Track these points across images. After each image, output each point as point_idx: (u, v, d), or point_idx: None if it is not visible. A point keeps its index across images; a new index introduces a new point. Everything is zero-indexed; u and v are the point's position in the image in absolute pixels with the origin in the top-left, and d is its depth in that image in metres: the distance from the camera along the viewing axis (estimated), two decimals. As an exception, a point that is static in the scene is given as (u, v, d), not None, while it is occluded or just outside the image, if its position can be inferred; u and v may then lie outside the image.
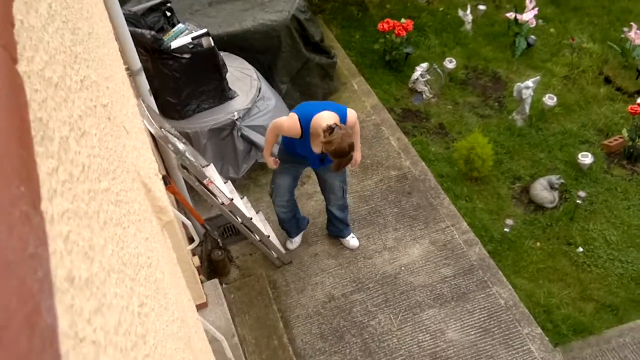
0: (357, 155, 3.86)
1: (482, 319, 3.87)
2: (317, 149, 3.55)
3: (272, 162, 3.81)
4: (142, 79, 3.44)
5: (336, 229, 4.32)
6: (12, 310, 0.44)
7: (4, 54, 0.56)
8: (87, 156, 1.07)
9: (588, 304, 3.98)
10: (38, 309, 0.48)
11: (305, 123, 3.43)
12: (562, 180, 4.59)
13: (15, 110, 0.54)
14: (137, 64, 3.34)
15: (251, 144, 4.63)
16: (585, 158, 4.75)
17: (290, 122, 3.46)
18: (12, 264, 0.46)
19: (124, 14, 3.16)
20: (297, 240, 4.39)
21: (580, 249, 4.28)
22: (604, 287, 4.06)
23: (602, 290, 4.04)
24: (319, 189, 4.72)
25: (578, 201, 4.45)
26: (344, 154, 3.30)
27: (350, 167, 4.09)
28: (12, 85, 0.55)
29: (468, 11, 6.20)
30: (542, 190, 4.58)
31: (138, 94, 3.48)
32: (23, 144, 0.54)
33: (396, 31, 5.61)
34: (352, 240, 4.35)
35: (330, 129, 3.25)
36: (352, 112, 3.57)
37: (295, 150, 3.69)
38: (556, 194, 4.60)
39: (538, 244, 4.35)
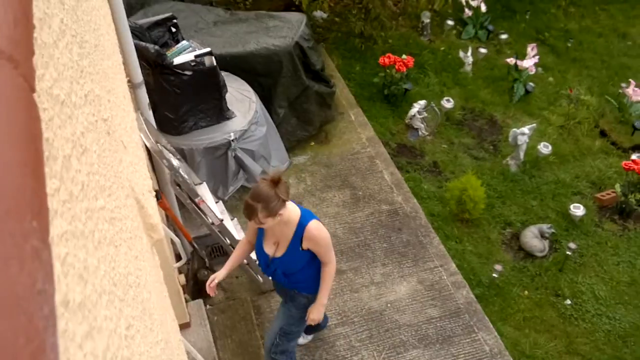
0: (315, 309, 3.10)
1: (465, 365, 3.80)
2: (267, 244, 3.02)
3: (212, 286, 3.06)
4: (143, 93, 3.41)
5: None
6: (19, 348, 0.44)
7: (24, 85, 0.52)
8: (87, 174, 1.04)
9: (574, 358, 3.93)
10: (43, 347, 0.47)
11: None
12: (553, 230, 4.58)
13: (31, 142, 0.50)
14: (139, 77, 3.31)
15: (241, 166, 4.60)
16: (577, 210, 4.75)
17: None
18: (21, 301, 0.45)
19: (129, 26, 3.13)
20: (309, 337, 3.88)
21: (569, 302, 4.25)
22: (591, 342, 4.02)
23: (588, 346, 3.99)
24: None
25: (568, 252, 4.44)
26: (252, 198, 2.70)
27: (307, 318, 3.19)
28: (29, 117, 0.52)
29: (469, 53, 6.27)
30: (533, 238, 4.56)
31: (137, 107, 3.44)
32: (36, 177, 0.50)
33: (397, 66, 5.64)
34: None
35: (271, 179, 2.74)
36: (315, 224, 2.92)
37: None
38: (546, 243, 4.58)
39: (526, 292, 4.31)
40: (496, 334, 3.96)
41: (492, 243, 4.65)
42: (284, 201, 2.74)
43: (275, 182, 2.71)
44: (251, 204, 2.69)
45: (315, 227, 2.90)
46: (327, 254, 3.02)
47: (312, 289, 3.10)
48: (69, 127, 0.94)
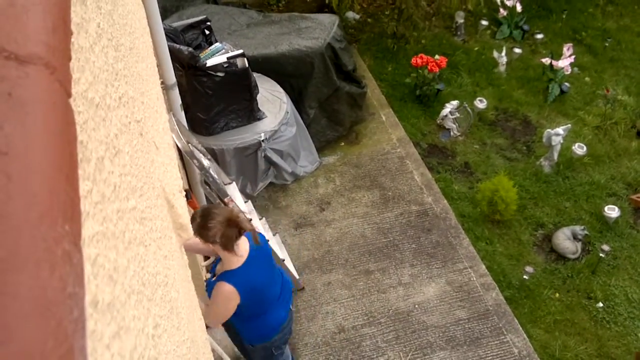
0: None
1: (494, 367, 3.78)
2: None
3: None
4: (175, 94, 3.49)
5: None
6: (48, 352, 0.44)
7: (60, 90, 0.55)
8: (119, 175, 1.06)
9: (604, 362, 3.87)
10: (71, 350, 0.48)
11: None
12: (586, 232, 4.50)
13: (65, 147, 0.53)
14: (172, 78, 3.39)
15: (271, 164, 4.66)
16: (612, 211, 4.66)
17: None
18: (51, 305, 0.46)
19: (164, 29, 3.22)
20: None
21: (600, 304, 4.17)
22: (623, 346, 3.94)
23: (620, 349, 3.92)
24: (337, 216, 4.72)
25: (601, 255, 4.36)
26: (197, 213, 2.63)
27: None
28: (64, 122, 0.55)
29: (503, 53, 6.19)
30: (565, 240, 4.49)
31: (169, 108, 3.52)
32: (70, 181, 0.53)
33: (429, 67, 5.61)
34: None
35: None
36: (224, 286, 2.65)
37: None
38: (579, 245, 4.51)
39: (557, 294, 4.25)
40: (525, 336, 3.92)
41: (523, 245, 4.59)
42: (223, 242, 2.58)
43: (231, 221, 2.56)
44: (193, 214, 2.57)
45: (221, 287, 2.64)
46: (215, 314, 2.73)
47: (248, 336, 2.97)
48: (103, 130, 0.96)
